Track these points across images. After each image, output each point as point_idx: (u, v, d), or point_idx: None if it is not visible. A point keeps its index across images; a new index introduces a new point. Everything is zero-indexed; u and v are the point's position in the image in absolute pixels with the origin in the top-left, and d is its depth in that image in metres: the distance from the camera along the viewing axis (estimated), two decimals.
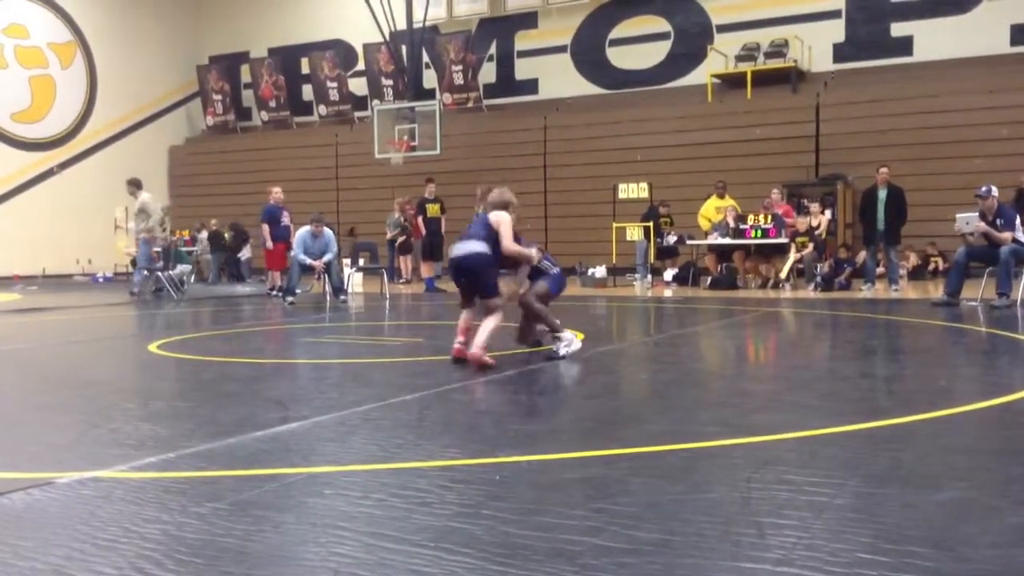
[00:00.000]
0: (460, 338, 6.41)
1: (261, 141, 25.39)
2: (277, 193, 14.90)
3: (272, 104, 25.60)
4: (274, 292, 14.45)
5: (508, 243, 6.45)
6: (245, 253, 20.07)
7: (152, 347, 7.69)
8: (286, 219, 14.87)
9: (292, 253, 13.08)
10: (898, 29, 18.83)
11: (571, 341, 6.58)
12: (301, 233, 13.09)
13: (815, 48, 19.49)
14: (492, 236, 6.39)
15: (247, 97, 26.38)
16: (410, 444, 3.85)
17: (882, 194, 13.59)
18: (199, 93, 26.69)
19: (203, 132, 27.06)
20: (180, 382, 6.21)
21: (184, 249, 19.28)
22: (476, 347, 6.05)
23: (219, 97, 26.27)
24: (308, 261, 12.81)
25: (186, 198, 24.99)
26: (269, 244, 14.53)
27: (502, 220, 6.47)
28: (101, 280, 21.86)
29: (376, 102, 22.87)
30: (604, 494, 3.04)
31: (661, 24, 21.09)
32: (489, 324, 6.21)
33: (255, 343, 8.82)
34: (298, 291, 13.12)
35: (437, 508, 2.87)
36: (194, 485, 3.23)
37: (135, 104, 25.44)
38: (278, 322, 10.58)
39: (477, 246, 6.28)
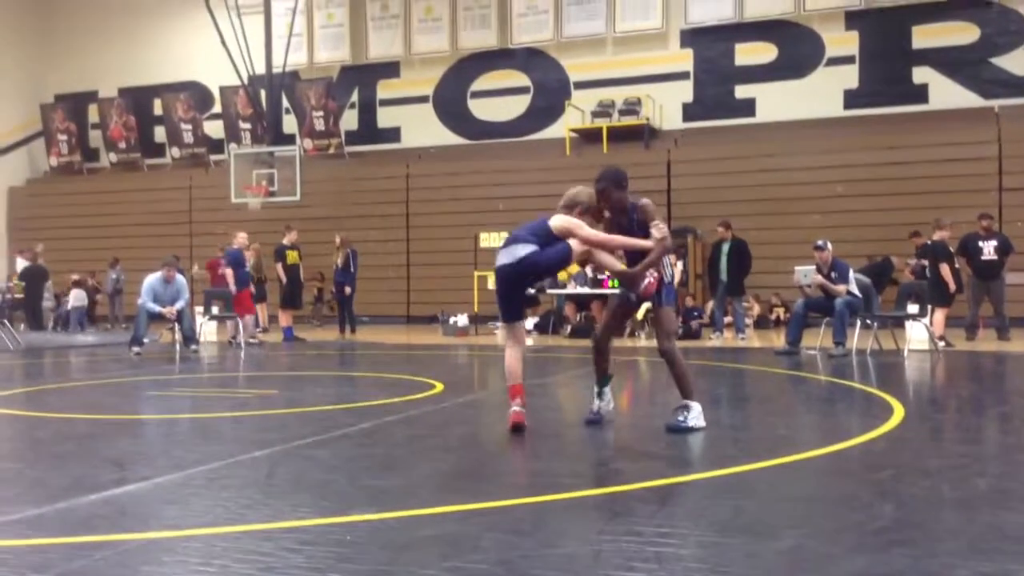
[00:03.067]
0: (516, 401, 5.40)
1: (109, 183, 24.35)
2: (242, 238, 15.06)
3: (122, 145, 24.64)
4: (235, 341, 14.06)
5: (590, 233, 5.33)
6: (79, 300, 19.02)
7: None
8: (248, 264, 15.15)
9: (140, 301, 12.53)
10: (742, 91, 19.91)
11: (700, 412, 5.48)
12: (150, 280, 12.57)
13: (666, 107, 20.35)
14: (548, 241, 5.31)
15: (95, 137, 25.29)
16: (258, 504, 3.71)
17: (725, 247, 14.25)
18: (42, 133, 25.42)
19: (46, 173, 25.74)
20: (10, 441, 5.81)
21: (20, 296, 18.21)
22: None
23: (64, 137, 25.09)
24: (157, 309, 12.31)
25: (27, 242, 23.58)
26: (233, 288, 14.42)
27: (570, 223, 5.35)
28: None
29: (233, 145, 22.38)
30: (456, 552, 3.01)
31: (521, 79, 21.58)
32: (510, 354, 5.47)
33: (96, 397, 8.34)
34: (146, 341, 12.56)
35: (281, 573, 2.77)
36: (19, 555, 3.01)
37: None
38: (123, 374, 10.07)
39: (523, 249, 5.30)
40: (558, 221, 5.34)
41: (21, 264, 19.19)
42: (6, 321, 14.35)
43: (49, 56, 25.67)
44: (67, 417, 6.54)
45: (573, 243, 5.28)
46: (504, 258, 5.37)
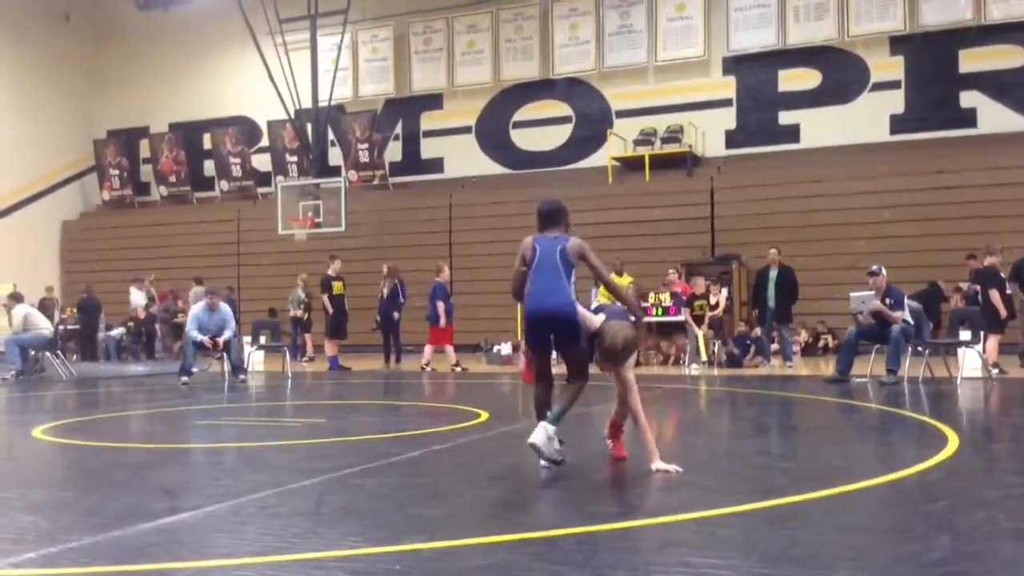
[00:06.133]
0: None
1: (159, 216, 24.85)
2: (446, 272, 15.27)
3: (172, 179, 25.17)
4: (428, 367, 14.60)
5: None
6: (116, 330, 19.33)
7: (37, 431, 7.32)
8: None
9: (186, 330, 12.70)
10: (786, 117, 19.81)
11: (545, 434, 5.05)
12: (195, 310, 12.74)
13: (708, 134, 20.31)
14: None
15: (146, 172, 25.88)
16: (308, 533, 3.74)
17: (772, 274, 14.12)
18: (95, 167, 26.06)
19: (98, 207, 26.35)
20: (64, 470, 5.92)
21: (74, 327, 18.59)
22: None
23: (116, 172, 25.69)
24: (200, 338, 12.39)
25: (79, 274, 24.14)
26: (443, 322, 14.72)
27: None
28: None
29: (280, 178, 22.71)
30: None
31: (563, 108, 21.69)
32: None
33: (147, 427, 8.48)
34: (194, 370, 12.72)
35: None
36: None
37: (28, 177, 24.62)
38: (172, 404, 10.22)
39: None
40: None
41: (136, 295, 19.44)
42: (60, 352, 14.64)
43: (102, 93, 26.37)
44: (119, 446, 6.64)
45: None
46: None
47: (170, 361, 16.68)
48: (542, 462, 5.06)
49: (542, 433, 5.01)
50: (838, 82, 19.43)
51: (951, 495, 4.43)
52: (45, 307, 18.17)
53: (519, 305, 5.48)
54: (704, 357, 14.42)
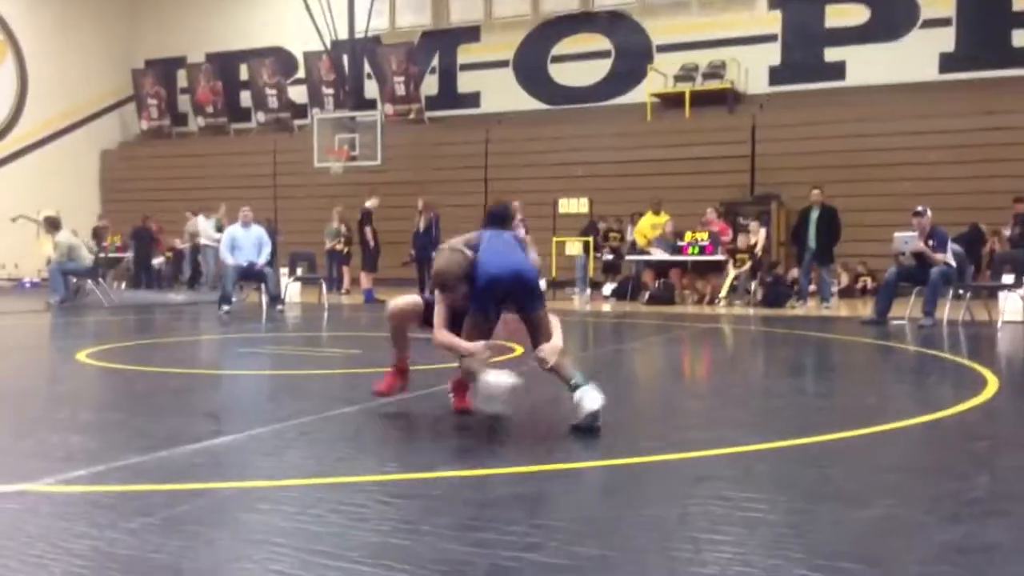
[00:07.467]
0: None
1: (197, 147, 24.98)
2: (515, 205, 15.04)
3: (209, 110, 25.22)
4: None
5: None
6: (155, 259, 19.61)
7: (81, 356, 7.48)
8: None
9: (221, 256, 12.87)
10: (832, 54, 19.34)
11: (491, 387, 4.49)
12: (231, 228, 12.89)
13: (751, 71, 19.90)
14: None
15: (183, 102, 25.95)
16: (348, 458, 3.81)
17: (814, 214, 13.93)
18: (134, 97, 26.17)
19: (137, 137, 26.53)
20: (110, 392, 6.05)
21: (115, 255, 18.89)
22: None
23: (154, 102, 25.79)
24: (232, 262, 12.47)
25: (118, 203, 24.45)
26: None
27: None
28: (28, 286, 21.24)
29: (316, 110, 22.70)
30: (542, 510, 3.05)
31: (603, 42, 21.34)
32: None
33: (188, 353, 8.64)
34: (233, 300, 12.89)
35: (375, 524, 2.85)
36: (124, 500, 3.15)
37: (67, 106, 24.82)
38: (212, 332, 10.38)
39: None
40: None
41: (205, 224, 19.25)
42: (101, 279, 14.89)
43: (140, 23, 26.35)
44: (162, 371, 6.78)
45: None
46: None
47: (209, 291, 16.90)
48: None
49: (594, 393, 4.41)
50: (887, 18, 18.90)
51: (991, 436, 4.40)
52: (98, 235, 18.43)
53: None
54: (724, 294, 14.50)
